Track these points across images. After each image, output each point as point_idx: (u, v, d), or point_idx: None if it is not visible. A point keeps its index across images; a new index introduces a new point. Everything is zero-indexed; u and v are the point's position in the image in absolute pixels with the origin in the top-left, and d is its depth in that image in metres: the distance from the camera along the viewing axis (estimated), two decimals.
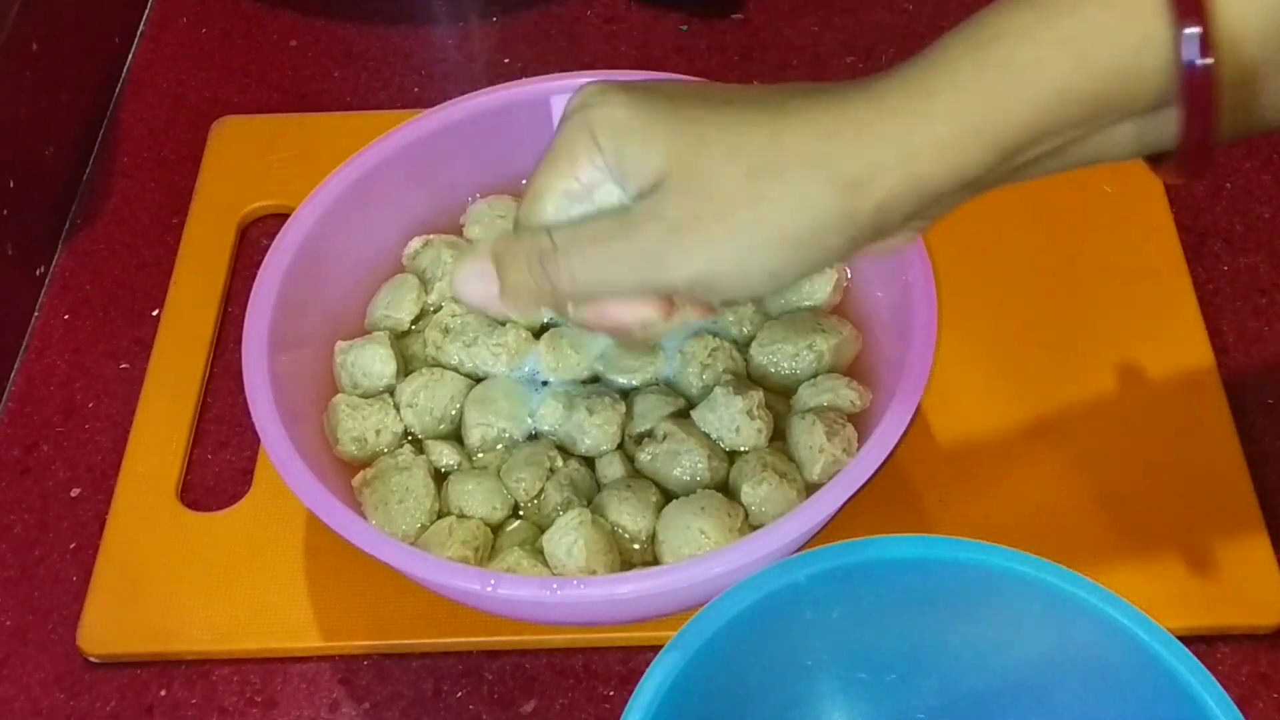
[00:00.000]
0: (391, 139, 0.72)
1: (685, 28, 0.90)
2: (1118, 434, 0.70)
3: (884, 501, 0.66)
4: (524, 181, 0.52)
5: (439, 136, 0.73)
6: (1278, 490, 0.69)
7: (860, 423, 0.67)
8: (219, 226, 0.79)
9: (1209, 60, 0.43)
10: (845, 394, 0.67)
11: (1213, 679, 0.50)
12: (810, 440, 0.65)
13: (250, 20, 0.92)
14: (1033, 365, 0.72)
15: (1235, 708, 0.50)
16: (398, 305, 0.72)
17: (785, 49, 0.89)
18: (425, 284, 0.72)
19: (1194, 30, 0.43)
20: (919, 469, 0.69)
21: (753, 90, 0.51)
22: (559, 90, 0.72)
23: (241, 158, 0.83)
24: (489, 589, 0.58)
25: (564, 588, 0.58)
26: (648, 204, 0.48)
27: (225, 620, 0.66)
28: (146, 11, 0.93)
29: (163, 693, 0.65)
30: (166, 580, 0.67)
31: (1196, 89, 0.44)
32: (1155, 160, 0.49)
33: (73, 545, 0.69)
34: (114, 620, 0.66)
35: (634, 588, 0.58)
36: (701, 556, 0.59)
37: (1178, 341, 0.73)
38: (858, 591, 0.55)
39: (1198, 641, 0.64)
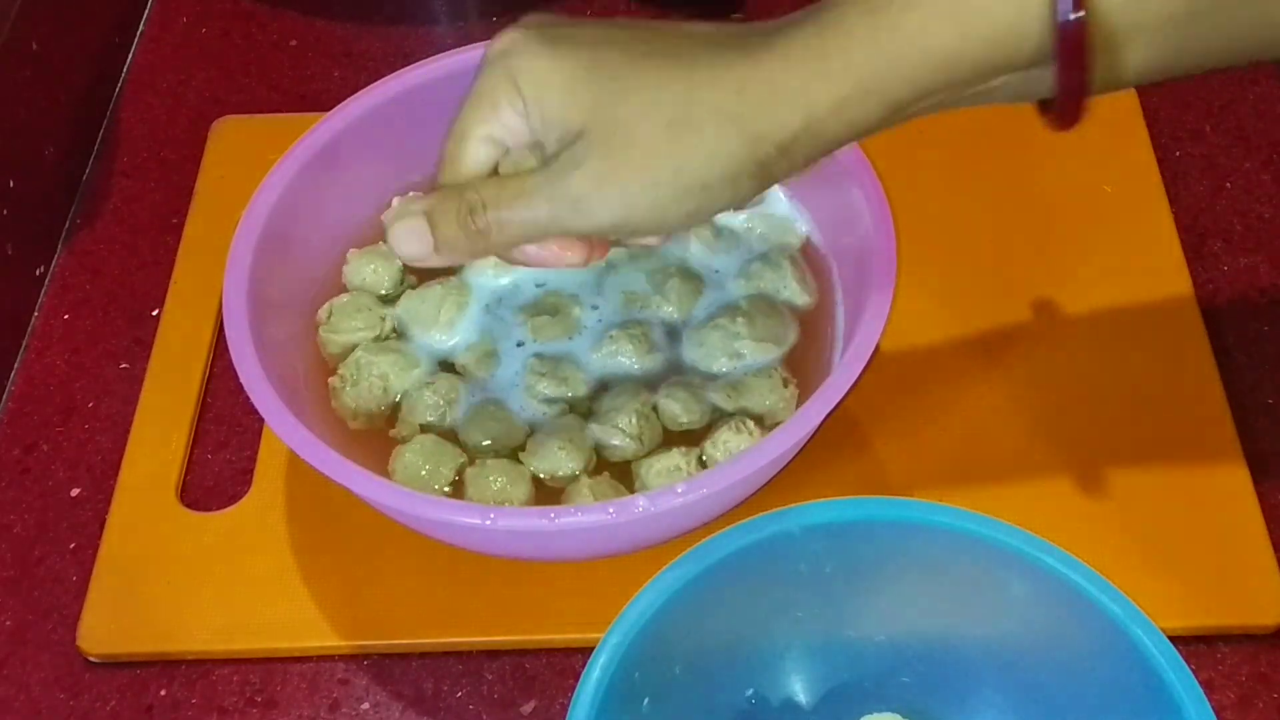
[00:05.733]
0: (358, 102, 0.72)
1: None
2: (1117, 435, 0.70)
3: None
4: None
5: (408, 96, 0.73)
6: (1278, 490, 0.69)
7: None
8: (219, 226, 0.78)
9: (1080, 14, 0.47)
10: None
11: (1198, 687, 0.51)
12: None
13: (250, 20, 0.92)
14: (1031, 367, 0.72)
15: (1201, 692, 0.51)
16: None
17: None
18: None
19: None
20: (922, 483, 0.69)
21: (667, 38, 0.54)
22: None
23: (241, 158, 0.82)
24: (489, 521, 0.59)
25: (562, 515, 0.59)
26: (570, 154, 0.53)
27: (225, 620, 0.66)
28: (146, 11, 0.93)
29: (163, 693, 0.65)
30: (166, 580, 0.67)
31: (1070, 43, 0.48)
32: (1042, 106, 0.52)
33: (73, 545, 0.69)
34: (114, 620, 0.66)
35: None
36: (689, 480, 0.59)
37: (1178, 341, 0.73)
38: (852, 549, 0.56)
39: (1198, 641, 0.64)
